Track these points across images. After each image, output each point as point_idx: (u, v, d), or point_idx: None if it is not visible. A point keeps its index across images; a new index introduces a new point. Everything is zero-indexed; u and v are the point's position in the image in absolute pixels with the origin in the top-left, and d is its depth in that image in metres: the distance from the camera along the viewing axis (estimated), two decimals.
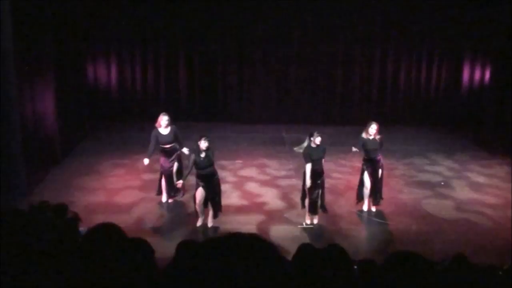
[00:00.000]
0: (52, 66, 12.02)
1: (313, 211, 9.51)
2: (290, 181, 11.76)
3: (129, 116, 16.37)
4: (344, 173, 12.16)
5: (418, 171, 12.67)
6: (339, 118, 16.50)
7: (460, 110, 17.10)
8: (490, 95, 16.79)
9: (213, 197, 9.28)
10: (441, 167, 13.10)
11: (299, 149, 9.47)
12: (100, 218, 8.83)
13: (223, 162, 12.03)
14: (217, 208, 9.41)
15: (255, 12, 16.06)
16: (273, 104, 16.96)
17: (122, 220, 8.87)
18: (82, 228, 6.10)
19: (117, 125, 15.82)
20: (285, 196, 10.91)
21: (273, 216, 9.99)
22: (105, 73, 16.48)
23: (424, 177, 12.37)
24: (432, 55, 17.01)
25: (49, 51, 11.87)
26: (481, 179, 12.31)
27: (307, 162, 9.17)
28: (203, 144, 9.00)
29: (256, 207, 10.33)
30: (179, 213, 10.22)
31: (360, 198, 10.26)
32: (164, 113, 10.35)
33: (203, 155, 9.02)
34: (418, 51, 16.93)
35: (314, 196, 9.35)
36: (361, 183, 10.15)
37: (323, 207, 9.59)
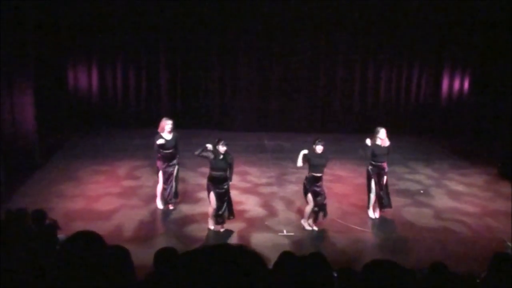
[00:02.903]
0: (32, 72, 11.91)
1: (314, 218, 9.70)
2: (271, 189, 11.78)
3: (109, 123, 16.26)
4: (325, 181, 12.15)
5: (398, 179, 12.76)
6: (320, 127, 16.57)
7: (439, 119, 17.31)
8: (469, 105, 17.04)
9: (223, 202, 9.35)
10: (420, 176, 13.22)
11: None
12: (79, 225, 8.77)
13: (205, 170, 12.00)
14: (230, 213, 9.49)
15: (236, 19, 16.09)
16: (255, 111, 16.97)
17: (101, 227, 8.81)
18: (61, 236, 6.05)
19: (97, 132, 15.71)
20: (266, 204, 10.91)
21: (254, 223, 9.98)
22: (86, 80, 16.36)
23: (404, 185, 12.47)
24: (412, 66, 17.21)
25: (29, 57, 11.76)
26: (460, 188, 12.45)
27: (298, 163, 9.47)
28: (221, 148, 9.13)
29: (237, 214, 10.29)
30: (159, 220, 10.16)
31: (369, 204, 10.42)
32: (166, 118, 10.35)
33: (221, 157, 9.16)
34: (398, 61, 17.12)
35: (320, 202, 9.53)
36: (369, 190, 10.26)
37: (325, 214, 9.78)
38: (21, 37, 11.29)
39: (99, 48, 16.06)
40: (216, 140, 9.30)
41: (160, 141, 10.00)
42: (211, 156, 9.16)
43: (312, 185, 9.51)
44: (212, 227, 9.53)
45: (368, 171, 10.25)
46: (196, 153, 9.25)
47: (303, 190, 9.71)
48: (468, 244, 9.50)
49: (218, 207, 9.31)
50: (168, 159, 10.24)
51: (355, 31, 16.49)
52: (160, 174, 10.33)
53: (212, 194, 9.26)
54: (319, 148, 9.36)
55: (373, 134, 10.19)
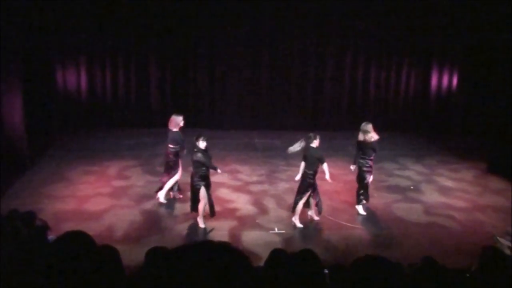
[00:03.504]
0: (20, 72, 11.83)
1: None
2: (262, 187, 11.78)
3: (99, 123, 16.19)
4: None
5: (388, 176, 12.82)
6: (310, 125, 16.57)
7: (428, 115, 17.38)
8: (457, 101, 17.13)
9: (210, 198, 9.51)
10: (410, 172, 13.28)
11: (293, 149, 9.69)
12: (69, 226, 8.73)
13: None
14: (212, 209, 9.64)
15: (226, 19, 16.05)
16: (245, 110, 16.95)
17: (92, 228, 8.78)
18: (51, 236, 6.03)
19: (87, 132, 15.63)
20: (257, 202, 10.92)
21: (245, 221, 9.99)
22: (75, 80, 16.25)
23: (394, 181, 12.52)
24: (401, 63, 17.26)
25: (17, 57, 11.68)
26: (449, 183, 12.52)
27: (324, 161, 9.45)
28: (202, 143, 9.16)
29: (228, 212, 10.32)
30: (150, 220, 10.14)
31: (362, 200, 10.45)
32: (176, 114, 10.57)
33: (205, 154, 9.21)
34: (387, 58, 17.16)
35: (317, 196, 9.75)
36: (364, 186, 10.30)
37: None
38: (9, 37, 11.20)
39: (88, 48, 15.95)
40: (195, 137, 9.28)
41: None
42: (202, 156, 9.17)
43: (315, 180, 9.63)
44: (203, 225, 9.54)
45: (368, 168, 10.23)
46: (214, 165, 9.35)
47: (306, 188, 9.63)
48: (458, 238, 9.57)
49: (210, 199, 9.47)
50: (178, 155, 10.55)
51: (344, 29, 16.51)
52: (180, 169, 10.56)
53: (203, 188, 9.32)
54: (318, 142, 9.49)
55: (366, 131, 10.13)
